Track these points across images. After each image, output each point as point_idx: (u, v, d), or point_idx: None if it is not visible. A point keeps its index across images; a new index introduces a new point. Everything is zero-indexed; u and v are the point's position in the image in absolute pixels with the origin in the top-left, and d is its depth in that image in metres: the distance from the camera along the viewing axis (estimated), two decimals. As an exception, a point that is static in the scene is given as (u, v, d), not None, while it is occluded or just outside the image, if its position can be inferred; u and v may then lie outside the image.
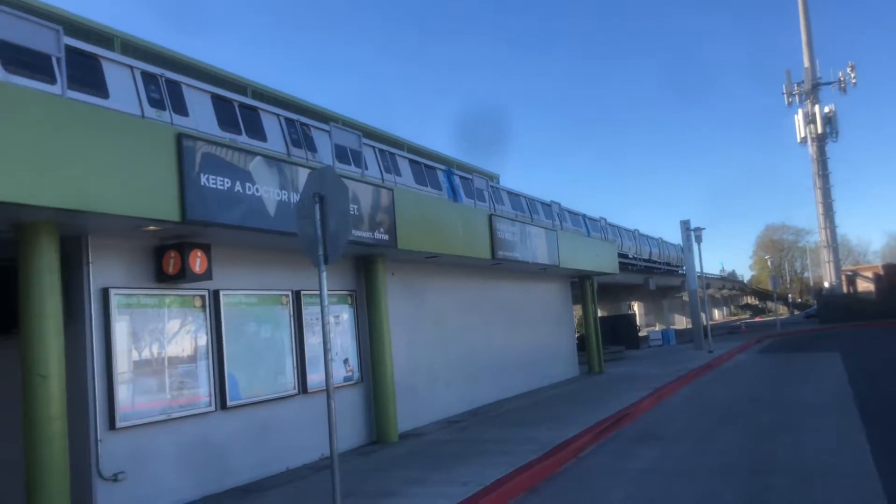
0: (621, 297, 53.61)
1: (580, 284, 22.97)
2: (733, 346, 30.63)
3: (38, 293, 6.57)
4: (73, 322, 7.28)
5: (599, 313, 28.07)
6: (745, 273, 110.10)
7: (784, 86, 53.81)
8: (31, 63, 9.29)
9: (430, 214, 12.73)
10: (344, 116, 19.52)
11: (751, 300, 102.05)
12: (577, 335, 24.12)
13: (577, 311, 27.85)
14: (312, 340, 10.43)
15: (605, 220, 34.45)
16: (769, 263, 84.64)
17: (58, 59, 8.04)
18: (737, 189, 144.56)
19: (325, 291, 6.76)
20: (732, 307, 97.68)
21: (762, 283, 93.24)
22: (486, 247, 14.36)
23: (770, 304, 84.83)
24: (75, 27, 12.32)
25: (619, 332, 34.87)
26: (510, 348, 17.28)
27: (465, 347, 15.04)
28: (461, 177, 20.80)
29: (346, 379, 11.30)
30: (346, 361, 11.40)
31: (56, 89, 9.23)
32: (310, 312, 10.47)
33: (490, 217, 14.83)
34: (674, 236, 42.81)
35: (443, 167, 20.56)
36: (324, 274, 6.72)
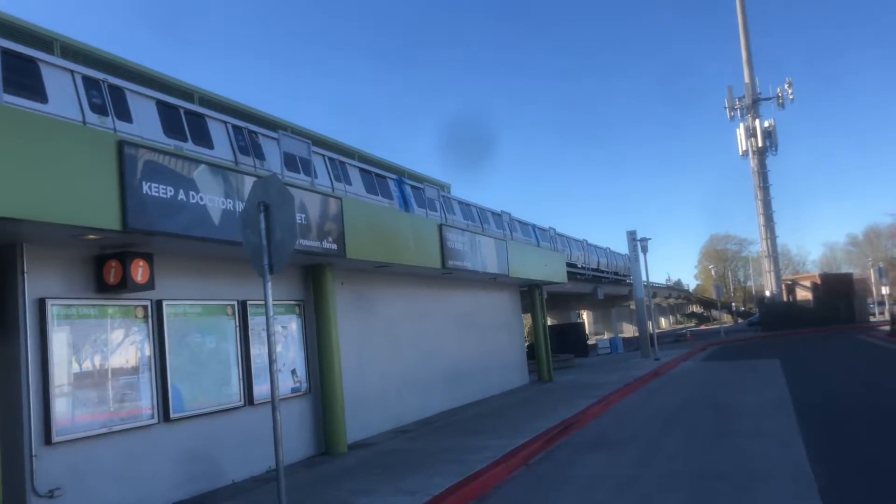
0: (571, 305, 54.33)
1: (530, 293, 23.20)
2: (679, 353, 31.30)
3: (-32, 304, 6.32)
4: (6, 333, 7.03)
5: (549, 322, 28.37)
6: (691, 282, 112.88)
7: (726, 100, 55.54)
8: None
9: (380, 224, 12.70)
10: (294, 125, 19.35)
11: (696, 309, 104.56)
12: (527, 343, 24.33)
13: (527, 319, 28.10)
14: (259, 351, 10.27)
15: (555, 230, 34.90)
16: (713, 273, 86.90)
17: None
18: (685, 200, 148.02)
19: (270, 301, 6.68)
20: (679, 316, 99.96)
21: (707, 292, 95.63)
22: (436, 256, 14.39)
23: (715, 313, 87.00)
24: (13, 29, 11.94)
25: (569, 341, 35.32)
26: (461, 357, 17.33)
27: (416, 357, 15.02)
28: (412, 186, 20.82)
29: (294, 390, 11.15)
30: (293, 372, 11.26)
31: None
32: (256, 323, 10.31)
33: (440, 227, 14.87)
34: (622, 246, 43.75)
35: (394, 176, 20.54)
36: (269, 284, 6.65)
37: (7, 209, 6.03)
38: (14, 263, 7.19)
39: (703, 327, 76.60)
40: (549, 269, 22.45)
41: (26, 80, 10.23)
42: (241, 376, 9.99)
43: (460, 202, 24.06)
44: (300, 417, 11.15)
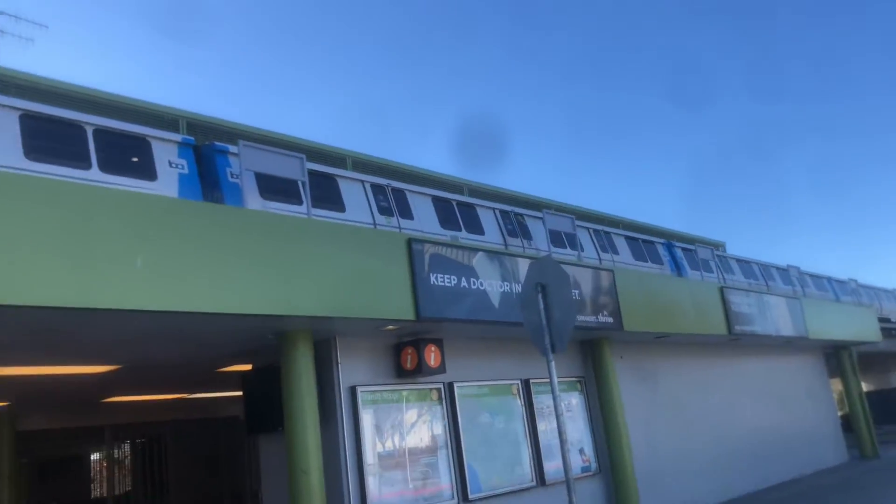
0: (889, 367, 46.82)
1: (836, 356, 20.46)
2: None
3: (298, 393, 7.28)
4: (326, 419, 7.91)
5: (864, 387, 24.65)
6: None
7: None
8: (282, 189, 10.61)
9: (655, 292, 12.26)
10: (555, 202, 19.80)
11: None
12: (840, 414, 21.34)
13: (836, 385, 24.72)
14: (545, 429, 10.32)
15: (856, 281, 30.74)
16: None
17: (303, 183, 9.11)
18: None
19: (556, 380, 6.72)
20: None
21: None
22: (720, 322, 13.43)
23: None
24: (312, 151, 13.97)
25: (893, 409, 30.28)
26: (760, 431, 15.68)
27: (708, 432, 13.93)
28: (682, 248, 19.92)
29: (584, 469, 10.94)
30: (581, 451, 11.08)
31: (302, 210, 10.45)
32: (540, 401, 10.43)
33: (721, 290, 13.92)
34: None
35: (662, 241, 19.87)
36: (552, 363, 6.71)
37: (324, 309, 6.92)
38: (330, 355, 8.15)
39: None
40: (856, 326, 19.69)
41: (327, 194, 11.83)
42: (530, 455, 10.08)
43: (738, 260, 22.40)
44: (592, 499, 10.86)
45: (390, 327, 8.07)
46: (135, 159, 9.65)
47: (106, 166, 9.19)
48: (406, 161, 15.88)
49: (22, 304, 5.10)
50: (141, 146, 9.77)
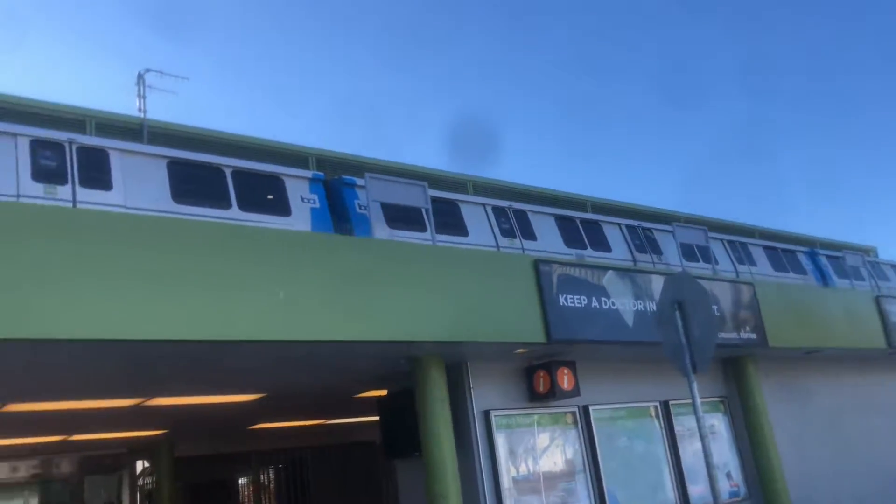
0: None
1: None
2: None
3: (433, 418, 7.34)
4: (462, 444, 7.91)
5: None
6: None
7: None
8: (407, 217, 10.83)
9: (801, 304, 11.45)
10: (684, 213, 19.05)
11: None
12: None
13: None
14: (688, 453, 9.84)
15: None
16: None
17: (426, 210, 9.27)
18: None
19: (699, 401, 6.44)
20: None
21: None
22: (877, 334, 12.33)
23: None
24: (433, 178, 14.20)
25: None
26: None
27: (871, 455, 12.75)
28: (828, 256, 18.55)
29: (732, 494, 10.31)
30: (728, 475, 10.46)
31: (427, 236, 10.62)
32: (680, 423, 9.97)
33: (877, 299, 12.80)
34: None
35: (804, 249, 18.61)
36: (694, 384, 6.42)
37: (455, 334, 6.97)
38: (462, 380, 8.17)
39: None
40: None
41: (450, 220, 11.96)
42: (673, 480, 9.63)
43: (894, 265, 20.58)
44: (743, 526, 10.20)
45: (521, 350, 8.00)
46: (270, 197, 10.20)
47: (244, 205, 9.77)
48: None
49: (177, 339, 5.47)
50: (275, 184, 10.32)
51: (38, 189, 8.34)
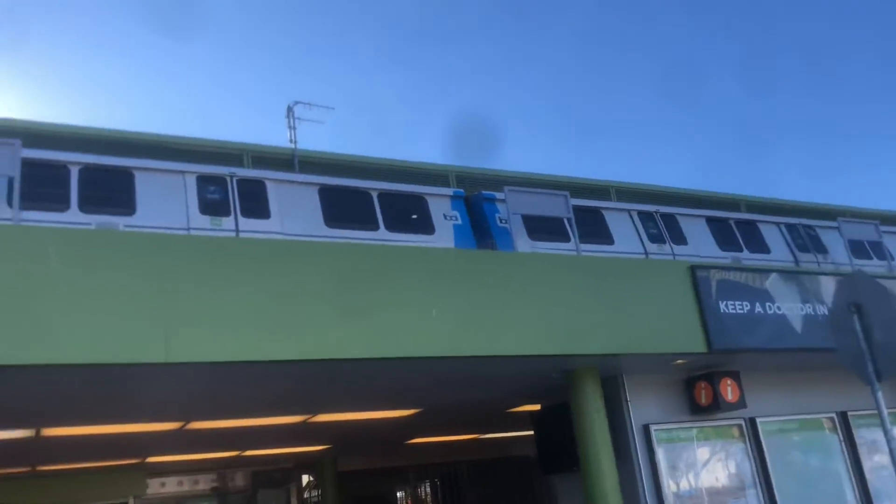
0: None
1: None
2: None
3: (591, 432, 7.19)
4: (621, 458, 7.68)
5: None
6: None
7: None
8: (549, 228, 10.72)
9: None
10: (849, 208, 17.54)
11: None
12: None
13: None
14: (873, 467, 9.00)
15: None
16: None
17: (569, 220, 9.13)
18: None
19: (885, 411, 5.88)
20: None
21: None
22: None
23: None
24: (573, 186, 13.98)
25: None
26: None
27: None
28: None
29: (929, 515, 9.29)
30: (923, 493, 9.44)
31: (571, 247, 10.46)
32: (861, 435, 9.15)
33: None
34: None
35: None
36: (878, 393, 5.88)
37: (611, 347, 6.81)
38: (618, 393, 7.95)
39: None
40: None
41: (594, 228, 11.66)
42: (857, 499, 8.84)
43: None
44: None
45: (680, 361, 7.66)
46: (414, 216, 10.49)
47: (391, 226, 10.12)
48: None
49: (334, 358, 5.72)
50: (418, 203, 10.61)
51: (205, 221, 9.08)
